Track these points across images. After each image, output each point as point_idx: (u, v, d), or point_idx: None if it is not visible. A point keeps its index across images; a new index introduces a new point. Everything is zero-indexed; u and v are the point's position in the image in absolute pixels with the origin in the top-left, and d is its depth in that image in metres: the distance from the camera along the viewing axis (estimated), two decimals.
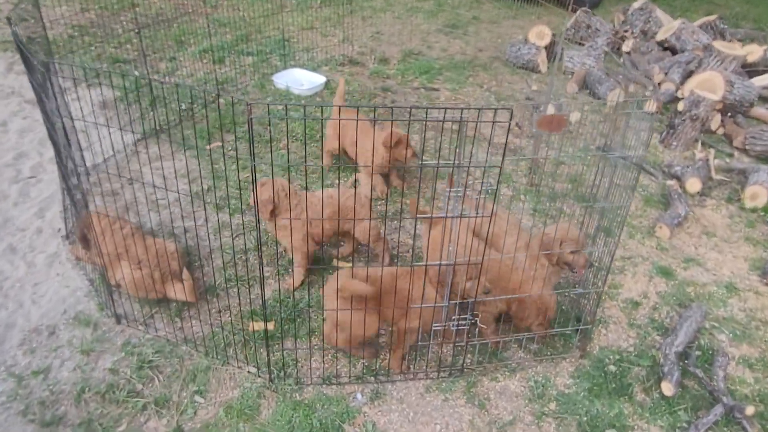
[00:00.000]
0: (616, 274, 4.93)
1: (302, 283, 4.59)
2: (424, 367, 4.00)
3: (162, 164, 4.77)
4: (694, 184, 6.06)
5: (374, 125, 4.90)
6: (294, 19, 9.41)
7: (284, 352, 4.02)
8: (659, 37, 9.32)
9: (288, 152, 3.17)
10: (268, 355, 3.77)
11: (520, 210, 5.56)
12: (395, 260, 4.89)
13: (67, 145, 3.53)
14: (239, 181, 5.02)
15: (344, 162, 6.05)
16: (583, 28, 9.85)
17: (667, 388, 3.86)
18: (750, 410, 3.72)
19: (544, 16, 11.20)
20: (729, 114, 7.52)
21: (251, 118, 2.92)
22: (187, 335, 4.11)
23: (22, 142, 6.21)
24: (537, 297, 3.91)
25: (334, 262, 4.85)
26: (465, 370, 4.01)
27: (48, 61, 3.20)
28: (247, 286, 4.55)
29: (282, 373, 3.89)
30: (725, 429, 3.75)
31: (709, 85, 7.24)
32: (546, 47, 8.91)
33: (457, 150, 3.08)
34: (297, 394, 3.80)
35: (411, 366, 4.03)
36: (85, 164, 5.62)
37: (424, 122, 2.85)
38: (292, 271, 4.54)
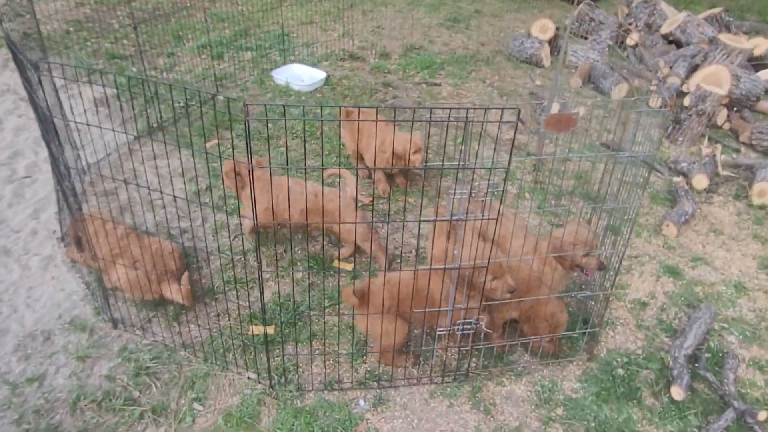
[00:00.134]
0: (623, 274, 4.83)
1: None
2: (429, 372, 3.91)
3: (157, 163, 4.68)
4: (701, 181, 5.95)
5: (394, 127, 4.82)
6: (293, 14, 9.27)
7: (285, 357, 3.92)
8: (664, 30, 9.18)
9: (287, 150, 3.07)
10: (268, 360, 3.68)
11: (525, 208, 5.46)
12: (395, 260, 4.79)
13: (59, 147, 3.43)
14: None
15: (347, 164, 5.95)
16: (587, 21, 9.71)
17: (677, 393, 3.77)
18: (762, 415, 3.62)
19: (546, 10, 11.05)
20: (735, 108, 7.40)
21: (248, 119, 2.81)
22: (185, 340, 4.02)
23: (17, 141, 6.11)
24: (549, 314, 3.83)
25: (335, 263, 4.75)
26: (470, 374, 3.91)
27: (38, 60, 3.09)
28: (246, 288, 4.46)
29: (283, 379, 3.80)
30: None
31: (715, 79, 7.12)
32: (549, 41, 8.78)
33: (462, 150, 2.98)
34: (298, 401, 3.71)
35: (415, 370, 3.94)
36: (82, 163, 5.52)
37: (429, 122, 2.76)
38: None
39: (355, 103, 7.12)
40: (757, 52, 8.25)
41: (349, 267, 4.73)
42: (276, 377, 3.79)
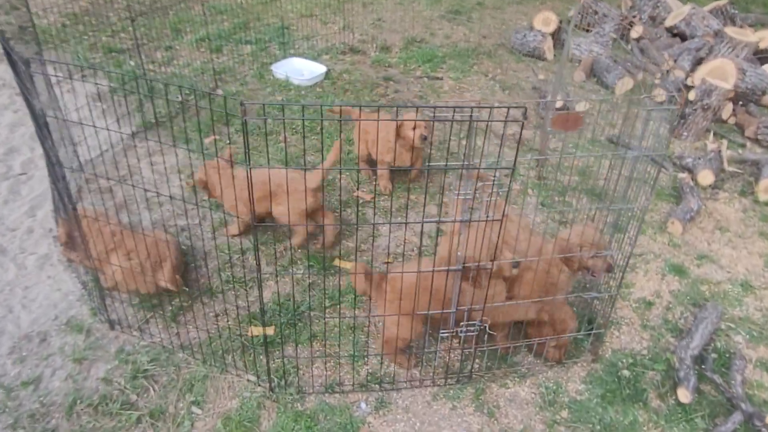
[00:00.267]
0: (628, 272, 4.76)
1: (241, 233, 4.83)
2: (431, 374, 3.85)
3: (154, 160, 4.60)
4: (706, 177, 5.87)
5: (396, 125, 4.75)
6: (293, 6, 9.16)
7: (285, 359, 3.86)
8: (668, 22, 9.06)
9: (285, 146, 3.00)
10: (267, 362, 3.61)
11: (530, 205, 5.38)
12: (397, 258, 4.72)
13: (52, 145, 3.35)
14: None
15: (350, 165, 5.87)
16: (590, 13, 9.59)
17: (684, 395, 3.71)
18: None
19: (549, 2, 10.92)
20: (741, 103, 7.31)
21: (245, 120, 2.73)
22: (184, 341, 3.95)
23: (12, 137, 6.03)
24: (559, 320, 3.76)
25: (336, 262, 4.68)
26: (473, 376, 3.85)
27: (29, 57, 3.01)
28: (245, 288, 4.39)
29: (283, 382, 3.74)
30: None
31: (721, 72, 7.02)
32: (552, 34, 8.67)
33: (466, 150, 2.90)
34: (298, 404, 3.65)
35: (418, 372, 3.88)
36: (78, 160, 5.44)
37: (432, 121, 2.69)
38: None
39: (356, 98, 7.03)
40: (762, 45, 8.14)
41: (350, 265, 4.65)
42: (276, 380, 3.73)
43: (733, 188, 5.98)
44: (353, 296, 4.32)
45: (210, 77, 7.04)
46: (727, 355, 4.07)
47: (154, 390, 3.69)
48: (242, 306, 4.21)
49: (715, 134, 6.79)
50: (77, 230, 3.84)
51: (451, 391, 3.77)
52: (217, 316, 4.18)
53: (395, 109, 2.96)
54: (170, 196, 3.34)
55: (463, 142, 5.90)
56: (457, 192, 3.02)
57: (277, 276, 4.50)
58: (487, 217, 3.07)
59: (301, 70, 7.47)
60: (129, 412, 3.54)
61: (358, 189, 5.43)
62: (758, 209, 5.68)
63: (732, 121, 7.13)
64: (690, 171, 6.02)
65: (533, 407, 3.74)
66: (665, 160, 6.28)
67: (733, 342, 4.23)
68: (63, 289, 4.37)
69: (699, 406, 3.74)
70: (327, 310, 4.27)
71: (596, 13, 9.52)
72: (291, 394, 3.68)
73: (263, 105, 2.80)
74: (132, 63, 7.31)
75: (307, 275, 4.55)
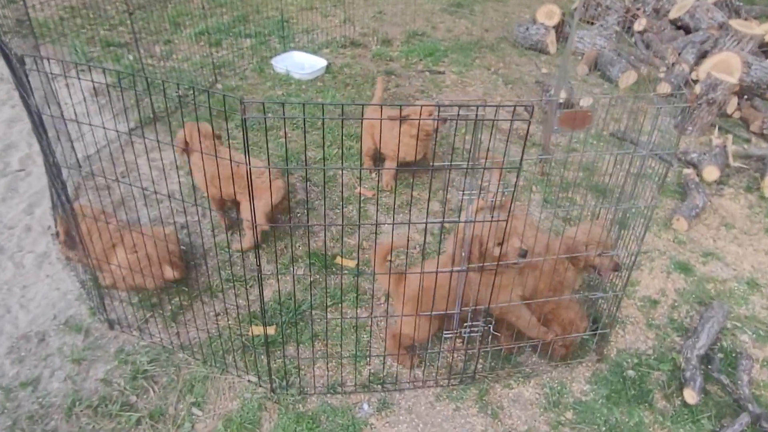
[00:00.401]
0: (631, 268, 4.70)
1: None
2: (434, 374, 3.80)
3: (153, 156, 4.54)
4: (711, 173, 5.81)
5: (400, 125, 4.65)
6: None
7: (286, 359, 3.81)
8: (672, 15, 8.97)
9: (286, 141, 2.95)
10: (268, 362, 3.56)
11: (532, 201, 5.32)
12: (399, 257, 4.67)
13: (49, 143, 3.29)
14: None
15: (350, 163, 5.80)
16: (594, 6, 9.49)
17: (690, 396, 3.66)
18: None
19: None
20: (746, 97, 7.23)
21: (245, 118, 2.67)
22: (184, 341, 3.91)
23: (10, 133, 5.97)
24: (568, 321, 3.72)
25: (337, 260, 4.63)
26: (477, 376, 3.80)
27: (24, 55, 2.94)
28: (246, 287, 4.34)
29: (284, 382, 3.69)
30: None
31: (725, 66, 6.94)
32: (555, 27, 8.58)
33: (471, 148, 2.84)
34: (300, 405, 3.60)
35: (420, 373, 3.83)
36: (76, 156, 5.38)
37: (436, 120, 2.65)
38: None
39: (357, 92, 6.95)
40: None
41: (352, 264, 4.60)
42: (277, 380, 3.68)
43: (739, 184, 5.91)
44: (355, 295, 4.28)
45: (209, 72, 6.97)
46: (734, 355, 4.02)
47: (154, 391, 3.65)
48: (243, 305, 4.16)
49: (720, 129, 6.72)
50: (75, 228, 3.78)
51: (455, 392, 3.73)
52: (217, 315, 4.13)
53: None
54: (169, 196, 3.27)
55: (467, 137, 5.85)
56: (462, 192, 2.96)
57: (278, 274, 4.45)
58: (493, 217, 3.02)
59: (301, 63, 7.40)
60: (128, 413, 3.50)
61: (360, 185, 5.36)
62: (764, 205, 5.62)
63: (737, 115, 7.06)
64: (695, 166, 5.96)
65: (537, 408, 3.69)
66: (673, 158, 6.21)
67: (740, 341, 4.18)
68: (61, 288, 4.32)
69: (705, 407, 3.70)
70: (328, 309, 4.22)
71: (599, 5, 9.43)
72: (292, 395, 3.63)
73: (263, 103, 2.74)
74: (131, 57, 7.24)
75: (308, 274, 4.49)
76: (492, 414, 3.63)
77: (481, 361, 3.89)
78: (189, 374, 3.75)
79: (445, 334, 3.66)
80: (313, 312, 4.19)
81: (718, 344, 4.10)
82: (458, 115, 2.67)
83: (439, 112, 2.83)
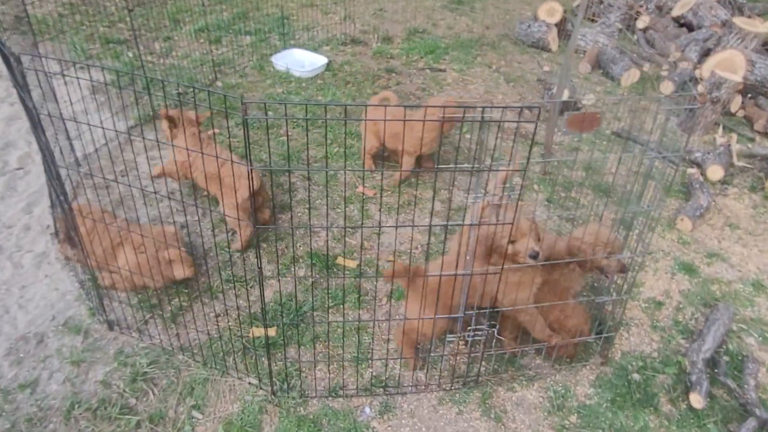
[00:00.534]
0: (637, 271, 4.66)
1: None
2: (437, 378, 3.76)
3: (153, 154, 4.49)
4: (715, 172, 5.76)
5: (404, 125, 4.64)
6: None
7: (287, 362, 3.77)
8: (675, 12, 8.92)
9: (288, 140, 2.90)
10: (269, 364, 3.52)
11: (534, 201, 5.27)
12: (401, 258, 4.63)
13: (46, 143, 3.24)
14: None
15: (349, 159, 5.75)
16: (596, 3, 9.44)
17: (696, 400, 3.62)
18: None
19: None
20: (749, 95, 7.18)
21: (246, 119, 2.63)
22: (183, 343, 3.86)
23: (9, 131, 5.91)
24: (573, 327, 3.69)
25: (338, 260, 4.58)
26: (480, 379, 3.76)
27: (20, 53, 2.89)
28: (246, 287, 4.29)
29: (285, 385, 3.65)
30: None
31: (729, 64, 6.89)
32: (557, 25, 8.52)
33: (477, 150, 2.79)
34: (301, 408, 3.56)
35: (423, 376, 3.79)
36: (75, 154, 5.33)
37: (441, 122, 2.60)
38: None
39: (357, 90, 6.90)
40: None
41: (353, 264, 4.56)
42: (278, 383, 3.64)
43: (743, 183, 5.87)
44: (357, 296, 4.23)
45: (209, 69, 6.91)
46: (740, 358, 3.98)
47: (154, 393, 3.61)
48: (243, 306, 4.12)
49: (724, 128, 6.67)
50: (73, 228, 3.74)
51: (457, 395, 3.69)
52: (217, 316, 4.09)
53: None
54: (168, 195, 3.22)
55: (467, 136, 5.79)
56: (468, 193, 2.91)
57: (279, 275, 4.41)
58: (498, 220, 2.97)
59: (301, 61, 7.34)
60: (128, 416, 3.46)
61: (363, 185, 5.31)
62: None
63: (741, 114, 7.01)
64: (699, 166, 5.91)
65: (541, 412, 3.65)
66: (681, 161, 6.17)
67: (746, 344, 4.15)
68: (60, 289, 4.27)
69: (711, 412, 3.66)
70: (330, 311, 4.18)
71: (602, 2, 9.37)
72: (293, 398, 3.59)
73: (265, 104, 2.69)
74: (130, 54, 7.18)
75: (309, 274, 4.45)
76: (495, 418, 3.59)
77: (484, 364, 3.85)
78: (189, 376, 3.71)
79: (449, 337, 3.62)
80: (315, 313, 4.15)
81: (724, 347, 4.06)
82: (463, 116, 2.63)
83: (443, 114, 2.77)
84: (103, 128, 3.09)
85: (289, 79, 7.03)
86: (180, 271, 4.04)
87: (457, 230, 4.20)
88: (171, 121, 4.67)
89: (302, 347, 3.90)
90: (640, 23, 8.80)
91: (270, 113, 6.34)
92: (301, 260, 4.59)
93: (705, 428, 3.57)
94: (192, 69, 6.92)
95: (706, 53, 7.75)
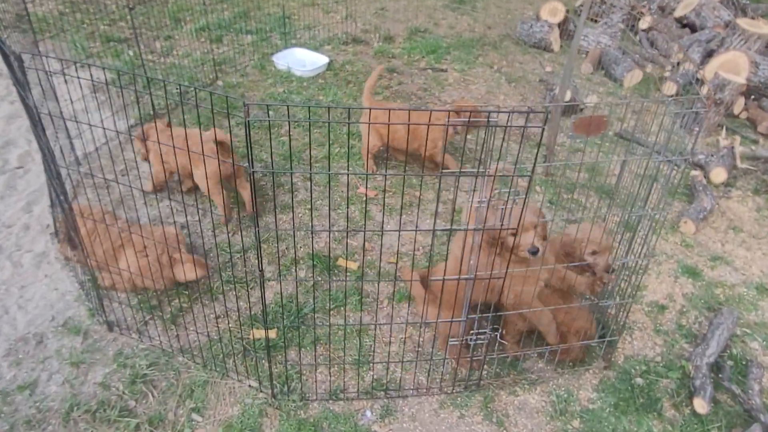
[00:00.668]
0: (639, 274, 4.63)
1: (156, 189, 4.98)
2: (438, 381, 3.73)
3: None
4: (719, 174, 5.73)
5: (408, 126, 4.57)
6: None
7: (287, 364, 3.74)
8: (678, 13, 8.89)
9: (290, 139, 2.87)
10: (270, 367, 3.49)
11: (536, 203, 5.24)
12: (402, 258, 4.60)
13: (47, 142, 3.21)
14: (234, 170, 4.71)
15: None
16: (598, 3, 9.41)
17: (701, 406, 3.59)
18: None
19: None
20: (753, 97, 7.15)
21: (248, 120, 2.60)
22: (183, 344, 3.84)
23: (9, 129, 5.88)
24: (579, 329, 3.66)
25: (339, 261, 4.56)
26: (482, 383, 3.73)
27: (21, 52, 2.86)
28: (247, 288, 4.27)
29: (285, 388, 3.63)
30: None
31: (733, 65, 6.86)
32: (559, 25, 8.49)
33: (482, 154, 2.76)
34: (301, 411, 3.54)
35: (424, 379, 3.76)
36: (75, 153, 5.30)
37: (446, 126, 2.58)
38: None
39: (358, 90, 6.86)
40: None
41: (354, 266, 4.53)
42: (278, 385, 3.61)
43: (746, 186, 5.84)
44: (358, 298, 4.21)
45: (210, 68, 6.88)
46: (744, 363, 3.95)
47: (153, 396, 3.58)
48: (243, 308, 4.09)
49: (727, 130, 6.64)
50: (73, 229, 3.71)
51: (459, 399, 3.66)
52: (217, 318, 4.06)
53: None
54: (169, 195, 3.19)
55: (468, 137, 5.76)
56: (471, 199, 2.88)
57: (279, 276, 4.38)
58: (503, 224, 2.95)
59: (302, 60, 7.31)
60: (127, 419, 3.43)
61: (366, 186, 5.28)
62: None
63: (744, 116, 6.98)
64: (702, 168, 5.88)
65: (543, 416, 3.63)
66: (687, 164, 6.14)
67: (750, 349, 4.12)
68: (60, 289, 4.24)
69: (715, 417, 3.63)
70: (331, 313, 4.15)
71: (604, 2, 9.34)
72: (294, 401, 3.57)
73: (267, 106, 2.66)
74: (131, 53, 7.14)
75: (310, 276, 4.42)
76: (497, 422, 3.56)
77: (486, 367, 3.82)
78: (189, 378, 3.68)
79: (451, 341, 3.59)
80: (316, 315, 4.12)
81: (728, 352, 4.03)
82: (469, 119, 2.60)
83: (448, 119, 2.74)
84: (104, 128, 3.05)
85: (291, 79, 7.00)
86: (192, 273, 4.01)
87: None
88: (142, 141, 4.82)
89: (303, 349, 3.87)
90: (643, 24, 8.77)
91: (271, 113, 6.32)
92: (302, 261, 4.56)
93: None
94: (193, 68, 6.89)
95: (708, 54, 7.72)
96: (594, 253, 3.61)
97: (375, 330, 4.03)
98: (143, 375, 3.67)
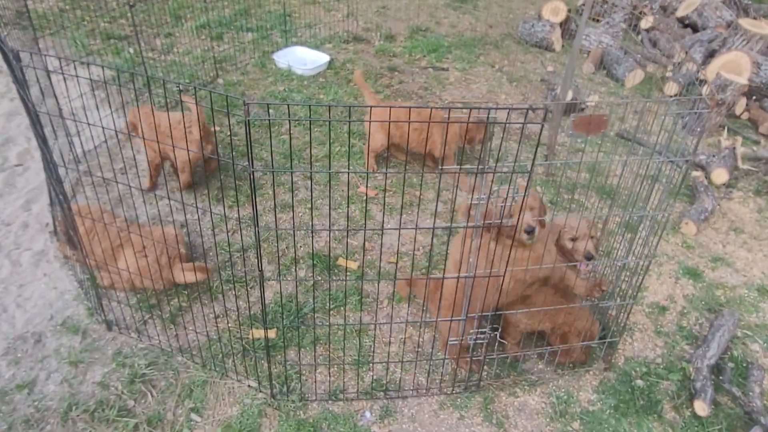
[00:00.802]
0: (640, 275, 4.62)
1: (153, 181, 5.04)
2: (438, 382, 3.72)
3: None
4: (720, 175, 5.72)
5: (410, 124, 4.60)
6: None
7: (287, 364, 3.73)
8: (680, 13, 8.86)
9: (290, 138, 2.85)
10: (269, 367, 3.47)
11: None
12: (402, 258, 4.59)
13: (45, 141, 3.20)
14: (234, 170, 4.70)
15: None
16: (599, 3, 9.38)
17: (701, 408, 3.58)
18: None
19: None
20: (754, 97, 7.13)
21: (248, 120, 2.58)
22: (182, 344, 3.83)
23: (8, 127, 5.86)
24: (583, 329, 3.65)
25: (339, 261, 4.54)
26: (482, 384, 3.72)
27: (20, 50, 2.84)
28: (246, 288, 4.25)
29: (285, 388, 3.61)
30: None
31: (734, 66, 6.85)
32: (561, 24, 8.46)
33: (482, 152, 2.75)
34: (301, 412, 3.52)
35: (424, 380, 3.75)
36: (75, 151, 5.29)
37: (446, 123, 2.56)
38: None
39: (359, 89, 6.84)
40: None
41: (354, 266, 4.52)
42: (278, 386, 3.60)
43: (748, 187, 5.82)
44: (358, 298, 4.19)
45: (210, 66, 6.86)
46: (745, 365, 3.94)
47: (152, 395, 3.57)
48: (243, 307, 4.08)
49: (728, 130, 6.62)
50: (72, 228, 3.70)
51: (459, 400, 3.65)
52: (217, 317, 4.05)
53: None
54: (168, 194, 3.18)
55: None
56: (470, 198, 2.87)
57: (279, 276, 4.37)
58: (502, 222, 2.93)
59: (303, 59, 7.29)
60: (126, 419, 3.42)
61: (367, 186, 5.26)
62: None
63: (745, 116, 6.96)
64: (703, 169, 5.87)
65: (543, 418, 3.61)
66: (690, 165, 6.13)
67: (750, 351, 4.10)
68: (59, 288, 4.23)
69: (716, 419, 3.62)
70: (331, 313, 4.14)
71: (606, 2, 9.32)
72: (293, 401, 3.55)
73: (267, 105, 2.64)
74: (131, 50, 7.12)
75: (310, 275, 4.41)
76: (497, 423, 3.55)
77: (486, 368, 3.81)
78: (188, 378, 3.67)
79: (451, 341, 3.58)
80: (315, 315, 4.10)
81: (729, 354, 4.02)
82: (469, 117, 2.58)
83: (449, 116, 2.73)
84: (103, 127, 3.04)
85: (291, 77, 6.98)
86: (192, 276, 3.99)
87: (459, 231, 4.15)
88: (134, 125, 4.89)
89: (302, 349, 3.86)
90: (645, 23, 8.75)
91: (272, 111, 6.30)
92: (302, 261, 4.55)
93: None
94: (193, 66, 6.87)
95: (710, 54, 7.70)
96: (574, 239, 3.64)
97: (375, 330, 4.01)
98: (142, 374, 3.65)
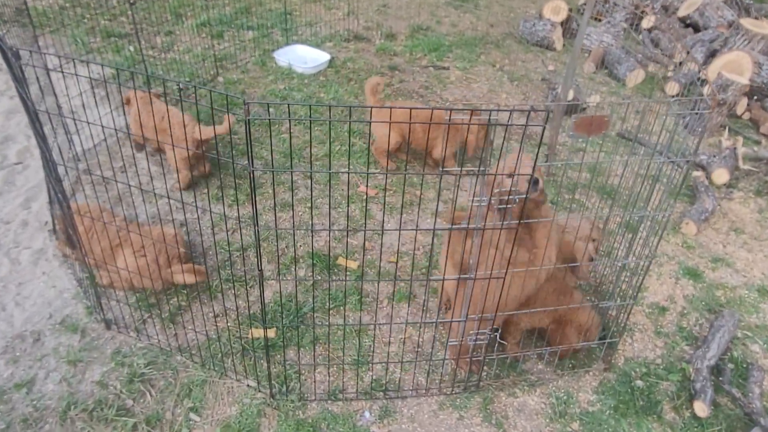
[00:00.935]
0: (640, 275, 4.61)
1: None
2: (437, 382, 3.71)
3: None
4: (721, 175, 5.71)
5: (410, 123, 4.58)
6: None
7: (286, 364, 3.72)
8: (681, 12, 8.84)
9: (290, 137, 2.84)
10: (268, 366, 3.47)
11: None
12: (402, 257, 4.58)
13: (45, 141, 3.19)
14: (234, 169, 4.69)
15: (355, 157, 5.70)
16: (601, 2, 9.36)
17: (701, 409, 3.58)
18: None
19: None
20: (755, 97, 7.12)
21: (248, 119, 2.57)
22: (182, 343, 3.82)
23: (8, 125, 5.85)
24: (583, 326, 3.65)
25: (339, 260, 4.53)
26: (481, 384, 3.72)
27: (19, 49, 2.84)
28: (246, 287, 4.25)
29: (284, 388, 3.61)
30: None
31: (736, 66, 6.83)
32: (562, 23, 8.45)
33: (483, 153, 2.74)
34: (300, 412, 3.52)
35: (424, 380, 3.74)
36: (75, 149, 5.28)
37: (447, 125, 2.56)
38: None
39: (360, 88, 6.84)
40: None
41: (354, 265, 4.51)
42: (277, 385, 3.59)
43: (749, 187, 5.81)
44: (358, 298, 4.19)
45: (211, 64, 6.85)
46: (744, 366, 3.93)
47: (151, 395, 3.56)
48: (242, 307, 4.07)
49: (729, 130, 6.61)
50: (71, 227, 3.69)
51: (458, 400, 3.64)
52: (216, 316, 4.04)
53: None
54: (167, 193, 3.17)
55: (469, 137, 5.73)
56: (471, 198, 2.86)
57: (279, 275, 4.36)
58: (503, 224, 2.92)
59: (304, 57, 7.28)
60: (124, 418, 3.41)
61: (367, 185, 5.25)
62: None
63: (746, 116, 6.95)
64: (704, 169, 5.85)
65: (543, 418, 3.61)
66: (691, 165, 6.12)
67: (750, 351, 4.10)
68: (58, 286, 4.22)
69: (716, 420, 3.61)
70: (330, 313, 4.13)
71: (607, 1, 9.30)
72: (292, 401, 3.55)
73: (268, 105, 2.64)
74: (131, 48, 7.11)
75: (310, 275, 4.40)
76: (496, 424, 3.55)
77: (485, 368, 3.80)
78: (187, 378, 3.66)
79: (450, 341, 3.57)
80: (315, 315, 4.10)
81: (729, 354, 4.01)
82: (471, 118, 2.57)
83: (450, 117, 2.72)
84: (102, 126, 3.03)
85: (291, 76, 6.97)
86: (191, 278, 3.99)
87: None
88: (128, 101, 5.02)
89: (302, 349, 3.85)
90: (646, 23, 8.73)
91: (272, 110, 6.29)
92: (301, 260, 4.54)
93: None
94: (193, 64, 6.86)
95: (712, 54, 7.68)
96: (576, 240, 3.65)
97: (374, 330, 4.01)
98: (141, 374, 3.65)
